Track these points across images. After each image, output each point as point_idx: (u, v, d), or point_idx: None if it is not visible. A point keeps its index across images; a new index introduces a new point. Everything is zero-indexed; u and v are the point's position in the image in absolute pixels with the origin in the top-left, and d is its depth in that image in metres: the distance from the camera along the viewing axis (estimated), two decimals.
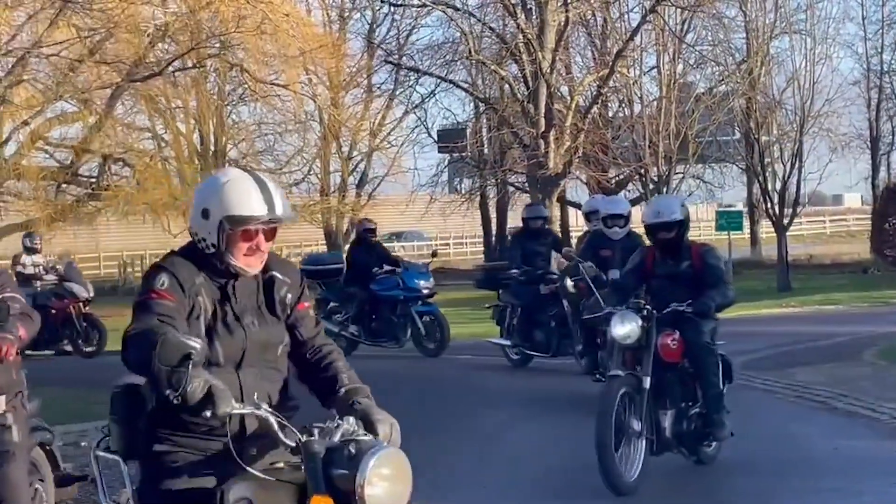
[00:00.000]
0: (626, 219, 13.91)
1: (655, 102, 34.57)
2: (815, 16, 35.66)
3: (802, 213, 41.77)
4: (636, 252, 10.76)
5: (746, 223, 44.26)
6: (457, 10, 30.74)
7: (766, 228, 45.39)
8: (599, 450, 9.04)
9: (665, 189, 31.96)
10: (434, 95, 37.74)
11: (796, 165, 34.32)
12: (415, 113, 39.46)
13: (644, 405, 9.47)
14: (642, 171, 33.70)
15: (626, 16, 35.31)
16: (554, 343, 16.90)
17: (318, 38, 35.89)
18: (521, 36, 28.99)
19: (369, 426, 4.63)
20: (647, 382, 9.46)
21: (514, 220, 56.95)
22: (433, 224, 50.76)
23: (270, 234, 4.80)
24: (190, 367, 4.21)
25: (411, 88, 38.19)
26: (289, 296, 4.92)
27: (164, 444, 4.64)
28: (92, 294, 22.51)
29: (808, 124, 34.63)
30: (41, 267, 22.54)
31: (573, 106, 29.55)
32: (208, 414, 4.28)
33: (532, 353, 17.33)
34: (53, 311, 21.49)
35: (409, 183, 42.67)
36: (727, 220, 33.59)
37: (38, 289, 22.00)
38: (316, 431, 4.56)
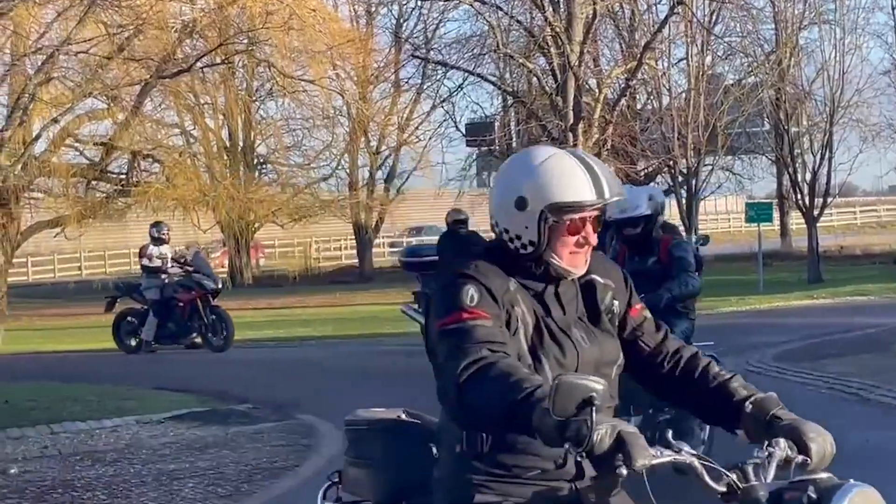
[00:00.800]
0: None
1: (684, 94, 34.44)
2: (845, 5, 35.49)
3: (833, 205, 41.61)
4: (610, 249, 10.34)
5: (776, 215, 44.10)
6: (484, 3, 30.68)
7: (796, 220, 45.23)
8: None
9: (694, 181, 31.86)
10: (462, 89, 37.75)
11: (826, 156, 34.16)
12: (443, 107, 39.49)
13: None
14: (671, 163, 33.60)
15: (653, 7, 35.22)
16: None
17: (345, 34, 35.92)
18: (548, 29, 28.90)
19: (802, 447, 3.69)
20: None
21: None
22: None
23: (596, 225, 3.78)
24: (593, 413, 3.23)
25: (439, 82, 38.24)
26: (615, 303, 3.96)
27: (485, 494, 3.65)
28: (220, 285, 22.04)
29: (837, 115, 34.47)
30: (167, 258, 21.80)
31: (601, 98, 29.44)
32: (624, 471, 3.30)
33: None
34: (181, 304, 21.16)
35: (438, 177, 42.76)
36: (757, 212, 33.43)
37: (166, 281, 21.44)
38: (750, 469, 3.56)
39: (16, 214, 33.02)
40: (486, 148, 41.36)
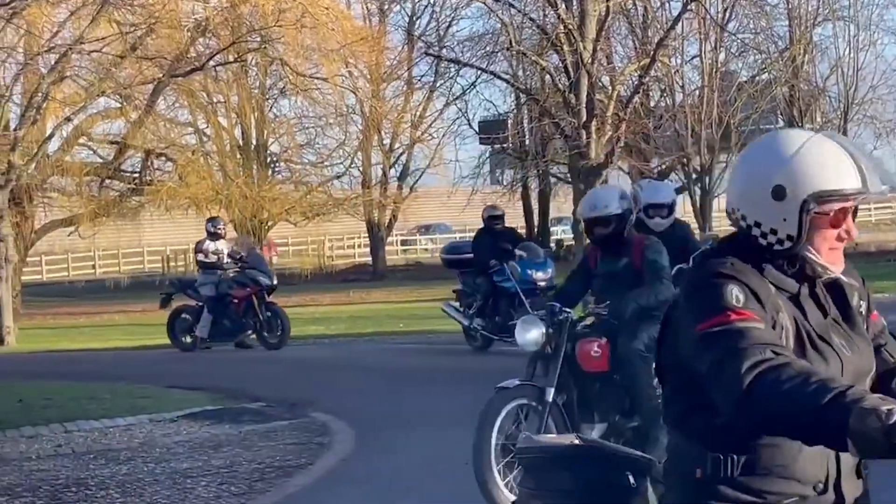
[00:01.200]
0: (670, 208, 12.08)
1: (697, 91, 34.41)
2: (859, 2, 35.43)
3: None
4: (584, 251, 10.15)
5: None
6: (497, 0, 30.65)
7: None
8: (476, 469, 8.20)
9: (708, 179, 31.81)
10: (475, 87, 37.78)
11: None
12: (456, 104, 39.49)
13: (545, 418, 8.24)
14: (685, 160, 33.57)
15: (667, 4, 35.14)
16: None
17: (357, 32, 35.96)
18: (561, 26, 28.82)
19: None
20: (549, 394, 8.21)
21: (556, 211, 56.93)
22: (475, 215, 50.70)
23: (854, 218, 3.36)
24: None
25: (452, 80, 38.26)
26: (862, 304, 3.51)
27: None
28: (275, 282, 21.25)
29: (852, 111, 34.41)
30: (223, 254, 21.08)
31: (614, 96, 29.35)
32: None
33: None
34: (235, 301, 20.51)
35: (451, 175, 42.74)
36: None
37: (221, 277, 20.74)
38: None
39: (29, 213, 33.13)
40: (499, 146, 41.36)
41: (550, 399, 8.42)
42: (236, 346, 20.88)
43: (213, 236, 21.43)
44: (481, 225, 19.90)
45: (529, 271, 17.86)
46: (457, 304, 18.91)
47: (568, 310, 8.87)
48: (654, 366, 7.19)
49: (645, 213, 12.01)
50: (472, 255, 18.91)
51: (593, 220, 9.09)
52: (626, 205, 9.08)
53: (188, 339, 20.84)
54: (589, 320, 9.14)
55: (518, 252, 18.13)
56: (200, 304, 20.72)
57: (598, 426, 8.69)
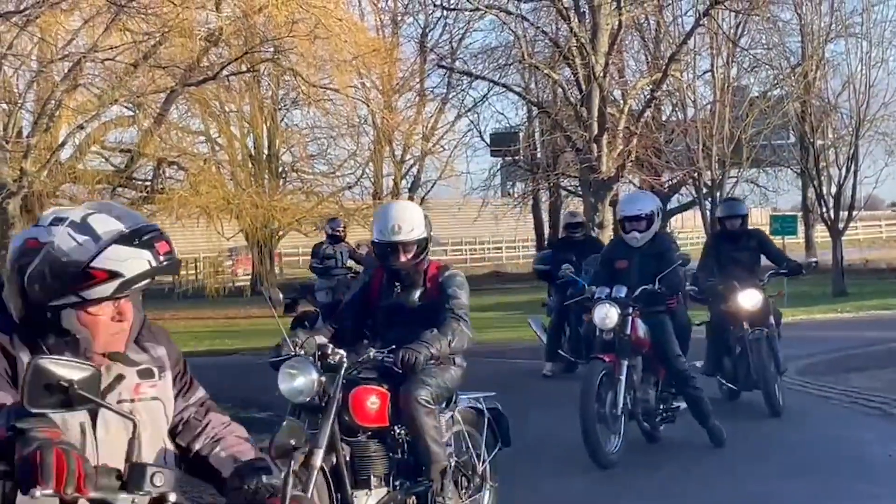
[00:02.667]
0: (649, 220, 11.29)
1: (709, 106, 34.37)
2: (872, 19, 35.30)
3: (858, 218, 41.43)
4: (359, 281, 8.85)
5: (801, 227, 43.96)
6: (510, 13, 30.69)
7: (821, 233, 45.08)
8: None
9: (719, 193, 31.77)
10: (487, 99, 37.83)
11: (852, 169, 34.02)
12: (467, 117, 39.53)
13: (311, 487, 6.90)
14: (696, 175, 33.52)
15: (679, 19, 35.15)
16: None
17: (370, 43, 35.97)
18: (574, 40, 28.89)
19: None
20: (317, 457, 6.87)
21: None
22: (485, 228, 50.79)
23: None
24: None
25: (464, 92, 38.27)
26: None
27: None
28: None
29: (863, 128, 34.30)
30: (343, 257, 20.09)
31: (626, 110, 29.42)
32: None
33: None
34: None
35: (462, 187, 42.73)
36: (781, 225, 33.33)
37: (337, 282, 19.66)
38: None
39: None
40: (510, 158, 41.39)
41: (318, 463, 6.93)
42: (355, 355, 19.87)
43: (333, 238, 20.48)
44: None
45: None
46: (542, 318, 18.05)
47: (341, 351, 7.39)
48: (444, 419, 7.83)
49: (621, 228, 11.60)
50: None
51: (393, 245, 7.83)
52: (429, 227, 7.97)
53: None
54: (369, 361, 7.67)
55: (585, 266, 15.90)
56: (317, 310, 19.79)
57: (375, 492, 7.51)
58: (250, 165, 40.34)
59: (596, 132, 27.56)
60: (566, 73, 31.96)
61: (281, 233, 41.71)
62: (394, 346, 7.46)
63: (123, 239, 3.33)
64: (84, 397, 3.16)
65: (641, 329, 11.03)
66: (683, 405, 11.43)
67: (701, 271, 13.80)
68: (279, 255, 49.24)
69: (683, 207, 42.67)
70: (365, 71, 36.71)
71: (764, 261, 14.11)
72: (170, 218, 37.41)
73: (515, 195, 45.56)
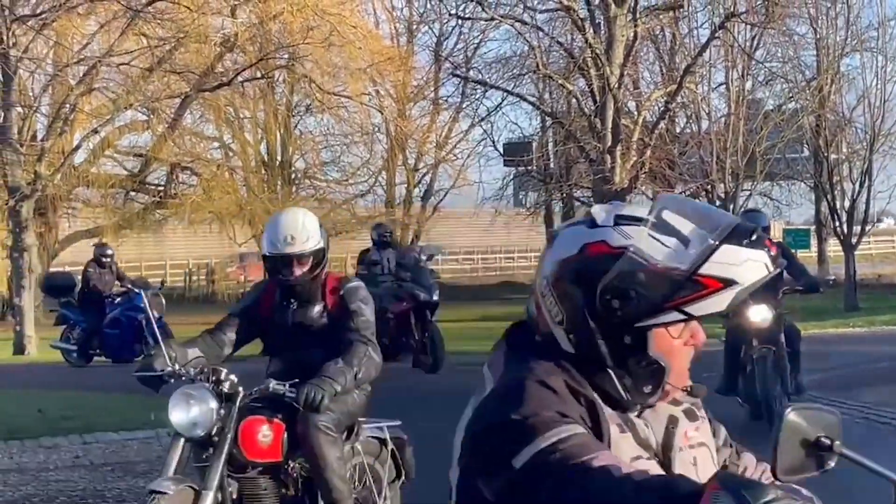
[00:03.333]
0: None
1: (723, 119, 34.32)
2: (888, 33, 35.24)
3: (871, 233, 41.35)
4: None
5: (814, 241, 43.88)
6: (525, 24, 30.70)
7: (833, 247, 44.98)
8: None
9: (732, 207, 31.70)
10: (500, 109, 37.79)
11: (865, 184, 33.95)
12: (481, 126, 39.49)
13: None
14: (709, 187, 33.46)
15: (695, 31, 35.12)
16: None
17: (385, 51, 36.03)
18: (589, 50, 28.88)
19: None
20: (207, 500, 6.19)
21: None
22: (497, 237, 50.77)
23: None
24: None
25: (478, 101, 38.25)
26: None
27: None
28: (436, 298, 18.98)
29: (878, 143, 34.22)
30: (389, 264, 19.45)
31: (640, 121, 29.40)
32: None
33: None
34: (391, 316, 18.50)
35: (475, 196, 42.70)
36: (794, 239, 33.27)
37: (383, 290, 18.70)
38: None
39: (53, 224, 33.30)
40: (523, 168, 41.35)
41: None
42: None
43: (380, 245, 19.81)
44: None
45: None
46: None
47: (233, 376, 6.56)
48: (343, 449, 6.93)
49: None
50: None
51: (287, 258, 6.89)
52: (326, 238, 7.14)
53: None
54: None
55: None
56: None
57: None
58: (263, 171, 40.36)
59: (610, 143, 27.53)
60: (580, 83, 31.94)
61: None
62: (297, 381, 6.46)
63: (733, 237, 2.55)
64: (847, 457, 2.60)
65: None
66: None
67: None
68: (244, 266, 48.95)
69: None
70: (379, 79, 36.77)
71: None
72: (182, 223, 37.49)
73: (528, 205, 45.51)
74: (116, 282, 22.37)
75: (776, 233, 44.09)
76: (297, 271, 6.93)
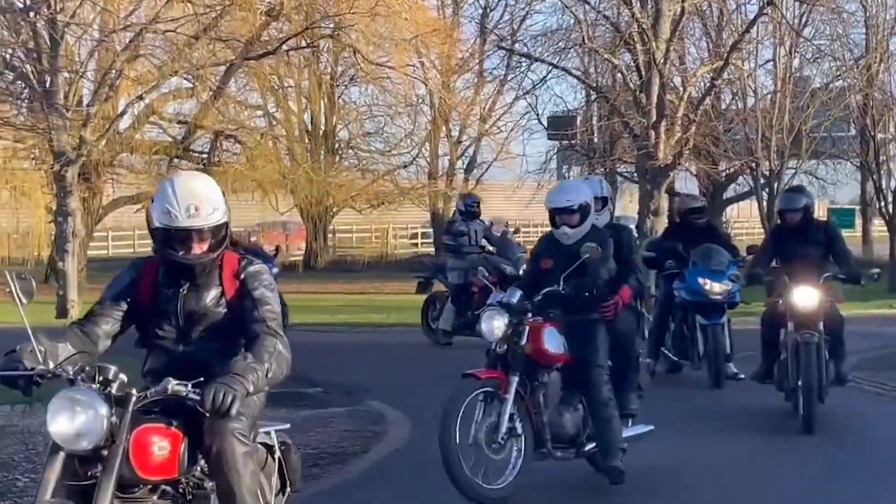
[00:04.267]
0: (582, 213, 9.55)
1: (770, 96, 34.11)
2: None
3: None
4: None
5: (858, 221, 43.58)
6: None
7: (878, 227, 44.65)
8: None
9: (777, 184, 31.50)
10: (545, 82, 37.55)
11: None
12: (525, 99, 39.30)
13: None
14: (754, 165, 33.28)
15: (742, 7, 34.82)
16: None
17: (431, 22, 35.97)
18: (635, 25, 28.69)
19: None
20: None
21: (620, 210, 56.61)
22: (540, 211, 50.57)
23: None
24: None
25: (523, 74, 38.04)
26: None
27: None
28: (521, 272, 17.38)
29: None
30: (476, 235, 18.77)
31: (685, 97, 29.20)
32: None
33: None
34: (476, 290, 17.90)
35: (518, 169, 42.59)
36: (839, 218, 33.06)
37: (470, 262, 18.27)
38: None
39: (98, 189, 33.44)
40: (567, 142, 41.20)
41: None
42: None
43: (468, 216, 19.07)
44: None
45: (699, 279, 14.66)
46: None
47: (123, 376, 5.67)
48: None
49: (551, 222, 9.80)
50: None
51: (180, 232, 5.92)
52: (229, 211, 6.31)
53: (437, 330, 18.60)
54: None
55: (693, 256, 14.82)
56: (449, 292, 18.50)
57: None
58: (307, 141, 40.42)
59: (654, 119, 27.38)
60: (626, 58, 31.74)
61: (335, 209, 41.76)
62: (201, 380, 5.50)
63: None
64: None
65: (550, 340, 9.15)
66: (637, 430, 9.82)
67: (759, 259, 12.72)
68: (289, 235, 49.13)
69: (739, 197, 42.41)
70: (424, 50, 36.69)
71: None
72: (225, 191, 37.60)
73: (571, 179, 45.37)
74: None
75: (821, 212, 43.79)
76: (197, 249, 5.93)
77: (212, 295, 6.05)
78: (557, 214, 9.59)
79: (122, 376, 5.59)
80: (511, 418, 8.77)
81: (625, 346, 9.69)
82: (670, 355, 15.15)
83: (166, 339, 6.07)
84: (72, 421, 5.32)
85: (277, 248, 22.10)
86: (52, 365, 5.56)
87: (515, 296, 9.31)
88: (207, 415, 5.47)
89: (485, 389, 8.77)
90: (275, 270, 20.04)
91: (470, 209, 19.21)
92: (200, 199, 5.90)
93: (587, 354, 9.22)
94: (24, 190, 32.42)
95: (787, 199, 12.73)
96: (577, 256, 9.13)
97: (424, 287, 19.78)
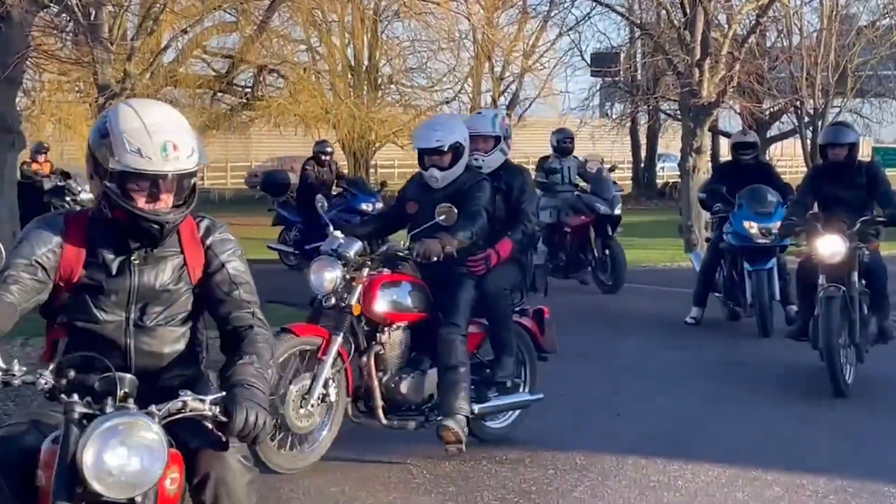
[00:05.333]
0: (455, 154, 8.63)
1: (815, 34, 33.82)
2: None
3: None
4: None
5: None
6: None
7: None
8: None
9: (821, 123, 31.30)
10: (589, 18, 37.41)
11: None
12: (569, 35, 39.16)
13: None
14: (798, 103, 33.08)
15: None
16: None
17: None
18: None
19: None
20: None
21: (663, 148, 56.41)
22: (582, 148, 50.50)
23: None
24: None
25: (566, 10, 37.90)
26: None
27: None
28: (617, 212, 17.69)
29: None
30: (570, 173, 18.00)
31: (730, 34, 28.99)
32: None
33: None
34: (567, 230, 17.48)
35: (560, 106, 42.52)
36: (884, 157, 32.88)
37: (559, 201, 17.68)
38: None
39: None
40: (610, 79, 41.08)
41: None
42: (580, 282, 17.80)
43: (561, 152, 18.17)
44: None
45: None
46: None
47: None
48: None
49: (419, 162, 8.84)
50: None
51: (153, 178, 4.42)
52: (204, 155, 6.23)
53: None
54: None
55: (739, 198, 14.26)
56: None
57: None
58: (349, 76, 40.42)
59: (698, 56, 27.23)
60: None
61: (377, 145, 41.80)
62: (222, 394, 4.38)
63: None
64: None
65: (386, 297, 8.29)
66: (513, 399, 8.95)
67: (794, 207, 11.58)
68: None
69: (783, 136, 42.22)
70: None
71: None
72: (268, 125, 37.71)
73: (613, 117, 45.27)
74: (336, 180, 21.16)
75: (866, 151, 43.49)
76: (167, 202, 4.55)
77: (171, 267, 4.75)
78: (426, 155, 8.58)
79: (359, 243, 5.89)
80: (326, 384, 7.92)
81: (493, 305, 8.65)
82: (723, 302, 14.68)
83: (106, 325, 4.67)
84: (128, 464, 4.02)
85: (384, 184, 21.58)
86: (16, 368, 4.20)
87: (353, 247, 8.22)
88: (223, 438, 4.38)
89: (301, 348, 7.94)
90: (379, 205, 19.98)
91: (563, 145, 18.24)
92: (176, 137, 4.49)
93: (440, 312, 8.37)
94: (69, 123, 32.62)
95: (833, 132, 11.68)
96: (449, 201, 8.21)
97: None
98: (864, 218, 10.86)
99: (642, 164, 52.10)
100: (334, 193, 20.80)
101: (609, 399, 10.56)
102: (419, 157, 8.62)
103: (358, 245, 8.24)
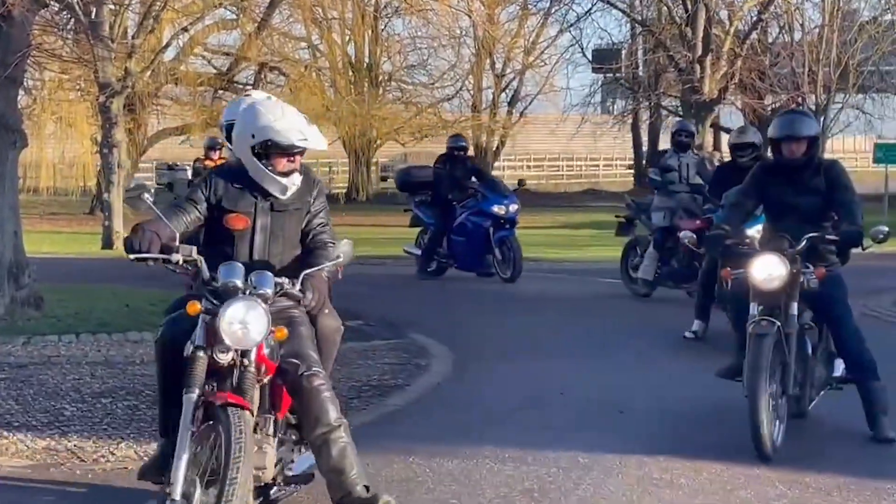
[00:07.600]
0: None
1: (817, 30, 33.80)
2: None
3: None
4: None
5: None
6: None
7: None
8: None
9: (823, 118, 31.29)
10: (590, 15, 37.46)
11: None
12: (570, 32, 39.19)
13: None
14: (800, 99, 33.05)
15: None
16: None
17: None
18: None
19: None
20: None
21: (665, 144, 56.34)
22: (583, 144, 50.49)
23: None
24: None
25: (567, 7, 37.92)
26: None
27: None
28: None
29: None
30: (678, 171, 15.85)
31: (732, 31, 29.03)
32: None
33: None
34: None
35: (561, 102, 42.51)
36: (885, 153, 32.79)
37: (674, 202, 15.80)
38: None
39: (142, 120, 33.60)
40: (611, 75, 41.07)
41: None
42: (688, 294, 15.29)
43: (679, 146, 15.82)
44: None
45: None
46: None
47: None
48: None
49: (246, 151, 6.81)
50: None
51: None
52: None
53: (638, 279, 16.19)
54: None
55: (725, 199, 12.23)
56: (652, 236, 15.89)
57: None
58: (350, 73, 40.41)
59: (700, 53, 27.26)
60: None
61: (378, 142, 41.78)
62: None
63: None
64: None
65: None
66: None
67: (729, 211, 9.27)
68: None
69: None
70: None
71: None
72: None
73: (615, 113, 45.25)
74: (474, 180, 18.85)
75: (867, 146, 43.54)
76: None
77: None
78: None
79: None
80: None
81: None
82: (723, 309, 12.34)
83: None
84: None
85: (521, 182, 20.30)
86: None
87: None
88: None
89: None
90: (514, 207, 18.13)
91: (679, 139, 15.94)
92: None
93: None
94: (70, 121, 32.61)
95: (788, 122, 8.83)
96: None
97: (625, 229, 17.16)
98: (811, 234, 8.38)
99: (644, 161, 52.10)
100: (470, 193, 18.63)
101: (610, 398, 10.54)
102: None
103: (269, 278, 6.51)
